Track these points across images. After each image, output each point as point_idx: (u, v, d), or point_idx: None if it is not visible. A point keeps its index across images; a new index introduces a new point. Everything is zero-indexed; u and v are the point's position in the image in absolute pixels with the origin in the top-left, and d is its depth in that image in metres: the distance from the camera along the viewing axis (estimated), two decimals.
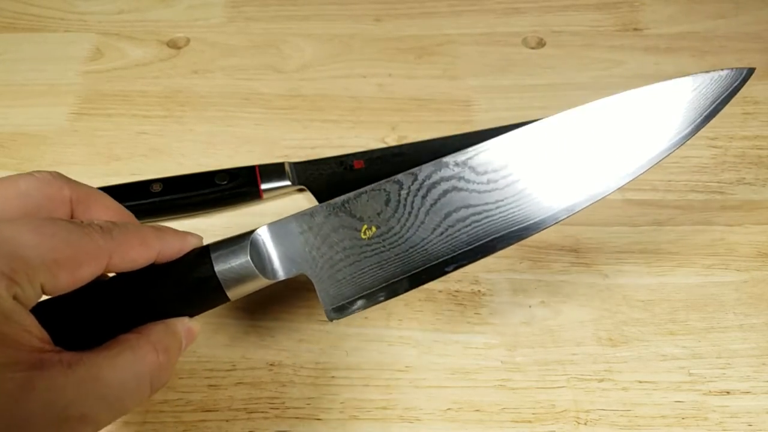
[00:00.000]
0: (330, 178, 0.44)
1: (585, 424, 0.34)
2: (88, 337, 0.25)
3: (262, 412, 0.34)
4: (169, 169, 0.45)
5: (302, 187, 0.44)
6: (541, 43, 0.54)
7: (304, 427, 0.34)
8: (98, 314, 0.27)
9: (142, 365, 0.25)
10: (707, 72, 0.30)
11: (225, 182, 0.42)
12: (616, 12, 0.57)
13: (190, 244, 0.29)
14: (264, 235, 0.29)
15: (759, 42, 0.54)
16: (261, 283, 0.29)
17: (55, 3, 0.57)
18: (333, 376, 0.36)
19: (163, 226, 0.29)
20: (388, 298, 0.30)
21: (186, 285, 0.28)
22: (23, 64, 0.52)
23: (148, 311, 0.27)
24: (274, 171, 0.43)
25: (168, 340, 0.27)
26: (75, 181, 0.28)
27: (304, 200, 0.44)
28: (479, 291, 0.39)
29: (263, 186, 0.43)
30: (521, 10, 0.57)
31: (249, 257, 0.28)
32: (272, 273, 0.29)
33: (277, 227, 0.30)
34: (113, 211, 0.29)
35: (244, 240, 0.29)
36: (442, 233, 0.30)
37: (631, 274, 0.40)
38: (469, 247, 0.30)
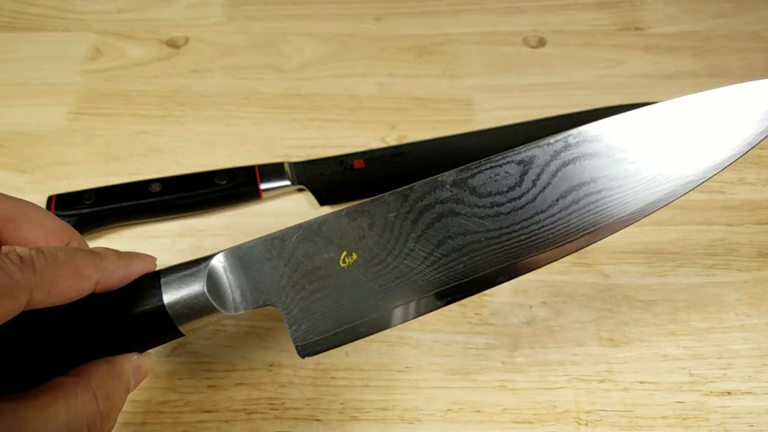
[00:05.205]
0: (330, 178, 0.44)
1: (586, 424, 0.34)
2: (15, 381, 0.22)
3: (262, 412, 0.34)
4: (168, 168, 0.45)
5: (302, 186, 0.43)
6: (541, 42, 0.54)
7: (304, 427, 0.34)
8: (27, 354, 0.23)
9: (78, 416, 0.21)
10: None
11: (224, 182, 0.42)
12: (617, 11, 0.56)
13: (137, 270, 0.25)
14: (224, 262, 0.26)
15: (759, 41, 0.54)
16: (219, 317, 0.26)
17: (54, 2, 0.56)
18: (333, 377, 0.35)
19: (105, 249, 0.25)
20: (369, 333, 0.26)
21: (130, 318, 0.24)
22: (22, 64, 0.52)
23: (88, 348, 0.24)
24: (274, 171, 0.43)
25: (111, 384, 0.23)
26: (2, 195, 0.24)
27: (304, 200, 0.44)
28: None
29: (262, 186, 0.43)
30: (522, 9, 0.57)
31: (205, 287, 0.25)
32: (233, 305, 0.26)
33: (240, 252, 0.26)
34: (48, 229, 0.25)
35: (199, 266, 0.25)
36: (434, 263, 0.26)
37: (632, 274, 0.40)
38: (466, 279, 0.26)
